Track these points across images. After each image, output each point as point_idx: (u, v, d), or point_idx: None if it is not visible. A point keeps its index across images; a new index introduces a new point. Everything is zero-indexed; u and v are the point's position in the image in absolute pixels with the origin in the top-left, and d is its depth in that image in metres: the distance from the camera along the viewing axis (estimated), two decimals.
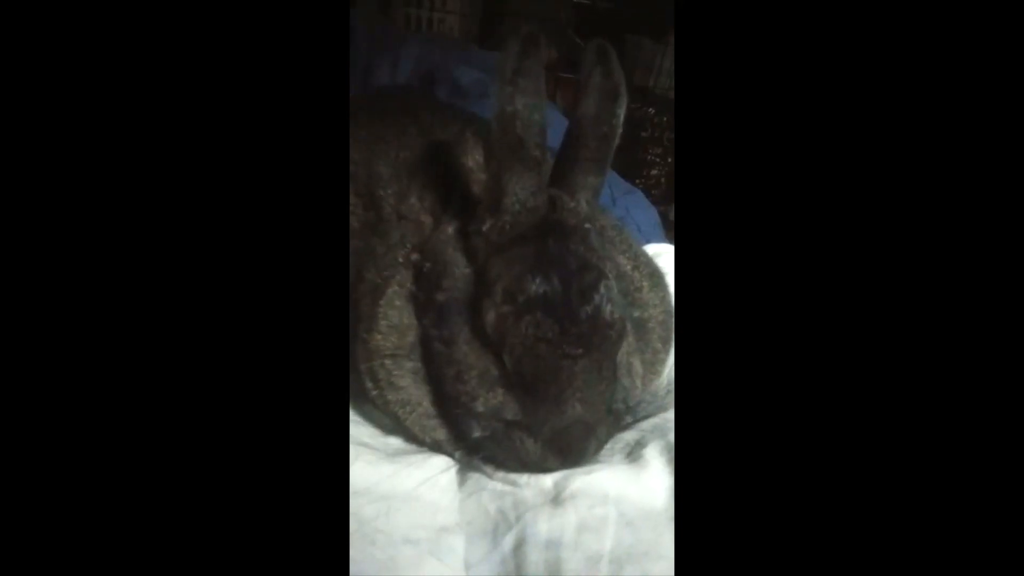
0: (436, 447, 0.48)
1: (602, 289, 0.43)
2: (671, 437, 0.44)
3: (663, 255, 0.67)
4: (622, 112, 0.46)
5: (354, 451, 0.45)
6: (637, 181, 1.37)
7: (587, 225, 0.48)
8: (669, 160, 1.64)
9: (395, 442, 0.50)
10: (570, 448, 0.42)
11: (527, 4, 1.83)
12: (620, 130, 0.46)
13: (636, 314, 0.49)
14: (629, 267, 0.54)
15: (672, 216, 1.35)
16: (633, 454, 0.45)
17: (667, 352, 0.54)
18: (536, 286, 0.41)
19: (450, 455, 0.48)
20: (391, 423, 0.51)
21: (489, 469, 0.45)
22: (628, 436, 0.47)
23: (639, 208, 0.95)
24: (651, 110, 1.68)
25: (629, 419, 0.48)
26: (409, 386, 0.47)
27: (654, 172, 1.63)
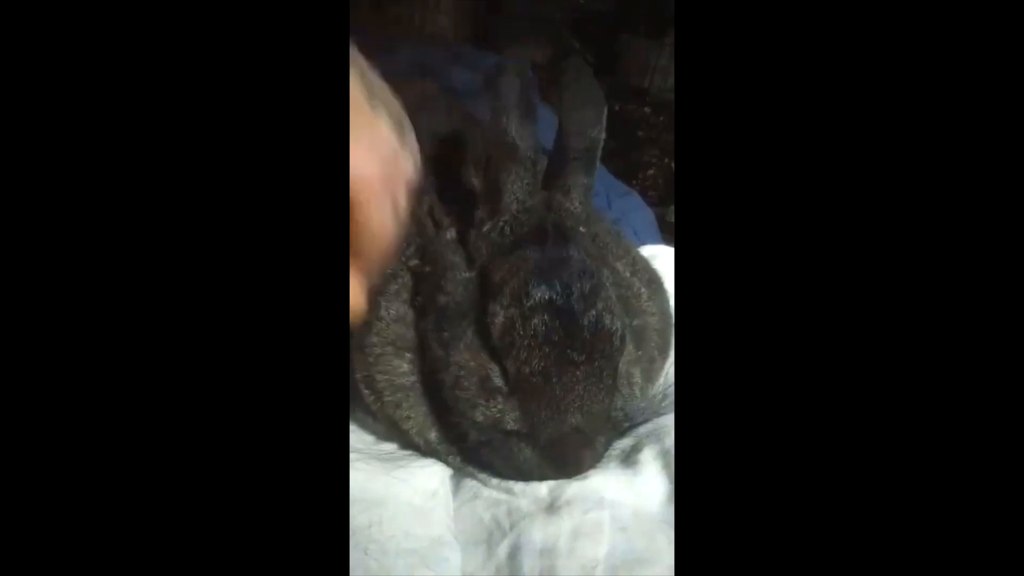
0: (432, 453, 0.48)
1: (602, 295, 0.43)
2: (666, 442, 0.44)
3: (659, 256, 0.67)
4: (604, 116, 0.51)
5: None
6: (633, 182, 1.37)
7: (582, 228, 0.49)
8: (666, 161, 1.64)
9: (389, 449, 0.50)
10: (566, 457, 0.42)
11: (521, 4, 1.83)
12: (604, 134, 0.51)
13: (635, 323, 0.50)
14: (627, 273, 0.54)
15: (668, 218, 1.35)
16: (628, 459, 0.45)
17: (663, 361, 0.54)
18: (541, 290, 0.42)
19: (445, 462, 0.47)
20: (385, 430, 0.51)
21: (484, 477, 0.45)
22: (623, 441, 0.47)
23: (635, 210, 0.96)
24: (647, 110, 1.68)
25: (626, 426, 0.48)
26: (406, 394, 0.47)
27: (651, 173, 1.64)
